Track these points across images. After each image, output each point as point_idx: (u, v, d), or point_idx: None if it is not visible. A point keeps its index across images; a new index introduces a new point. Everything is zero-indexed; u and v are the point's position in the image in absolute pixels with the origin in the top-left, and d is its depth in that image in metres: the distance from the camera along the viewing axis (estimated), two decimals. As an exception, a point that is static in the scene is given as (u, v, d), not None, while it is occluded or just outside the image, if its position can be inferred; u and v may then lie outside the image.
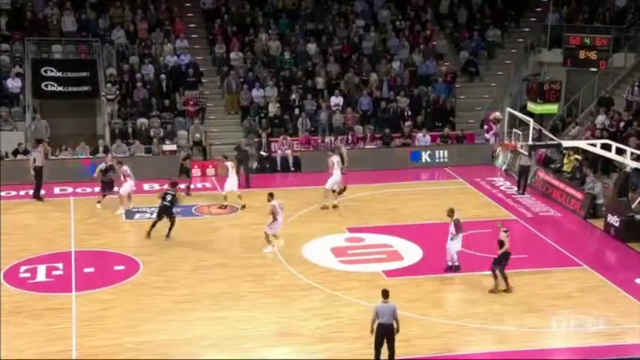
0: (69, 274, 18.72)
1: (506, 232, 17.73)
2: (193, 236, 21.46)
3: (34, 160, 24.49)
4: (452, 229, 18.65)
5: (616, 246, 21.14)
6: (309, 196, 24.77)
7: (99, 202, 23.61)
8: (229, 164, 23.99)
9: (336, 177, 23.79)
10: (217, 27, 33.07)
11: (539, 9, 35.97)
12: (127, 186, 23.19)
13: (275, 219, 19.89)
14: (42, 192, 24.62)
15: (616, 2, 34.13)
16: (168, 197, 21.07)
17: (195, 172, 27.06)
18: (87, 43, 31.08)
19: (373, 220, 22.84)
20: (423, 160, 28.94)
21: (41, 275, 18.72)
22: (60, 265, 19.23)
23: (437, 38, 34.64)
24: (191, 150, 28.72)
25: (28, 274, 18.75)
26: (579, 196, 23.90)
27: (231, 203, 23.73)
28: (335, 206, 23.77)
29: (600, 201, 23.41)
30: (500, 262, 17.72)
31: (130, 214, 23.10)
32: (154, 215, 21.53)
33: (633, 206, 21.92)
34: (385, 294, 14.57)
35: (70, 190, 25.32)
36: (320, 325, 16.28)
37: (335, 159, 23.99)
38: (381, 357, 14.45)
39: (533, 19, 36.15)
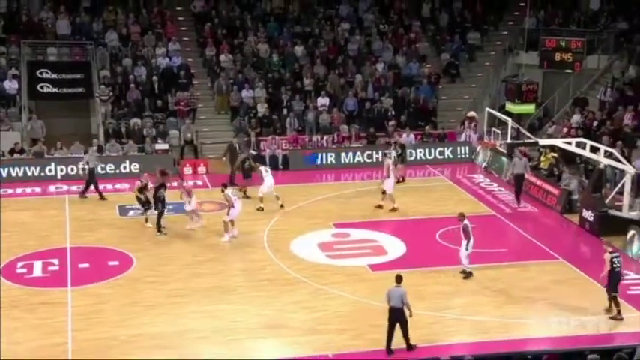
0: (64, 270, 18.92)
1: (611, 253, 16.64)
2: (185, 232, 21.74)
3: (87, 162, 24.84)
4: (462, 235, 18.54)
5: (590, 240, 21.38)
6: (297, 194, 25.15)
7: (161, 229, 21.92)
8: (263, 168, 24.27)
9: (393, 179, 23.72)
10: (208, 30, 33.34)
11: (517, 13, 36.37)
12: (193, 203, 21.93)
13: (232, 206, 20.65)
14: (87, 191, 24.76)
15: (590, 6, 34.62)
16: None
17: (187, 170, 27.51)
18: (81, 45, 31.39)
19: (359, 216, 23.13)
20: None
21: (37, 270, 18.92)
22: (55, 261, 19.42)
23: (419, 41, 35.05)
24: (182, 149, 29.17)
25: (24, 270, 18.91)
26: (556, 192, 24.19)
27: (266, 204, 23.61)
28: (395, 209, 23.56)
29: (576, 197, 23.65)
30: (614, 286, 16.73)
31: (123, 211, 23.38)
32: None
33: (607, 202, 22.36)
34: (398, 279, 15.05)
35: (65, 188, 25.59)
36: (307, 318, 16.57)
37: (390, 161, 23.79)
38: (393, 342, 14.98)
39: (511, 23, 36.59)
